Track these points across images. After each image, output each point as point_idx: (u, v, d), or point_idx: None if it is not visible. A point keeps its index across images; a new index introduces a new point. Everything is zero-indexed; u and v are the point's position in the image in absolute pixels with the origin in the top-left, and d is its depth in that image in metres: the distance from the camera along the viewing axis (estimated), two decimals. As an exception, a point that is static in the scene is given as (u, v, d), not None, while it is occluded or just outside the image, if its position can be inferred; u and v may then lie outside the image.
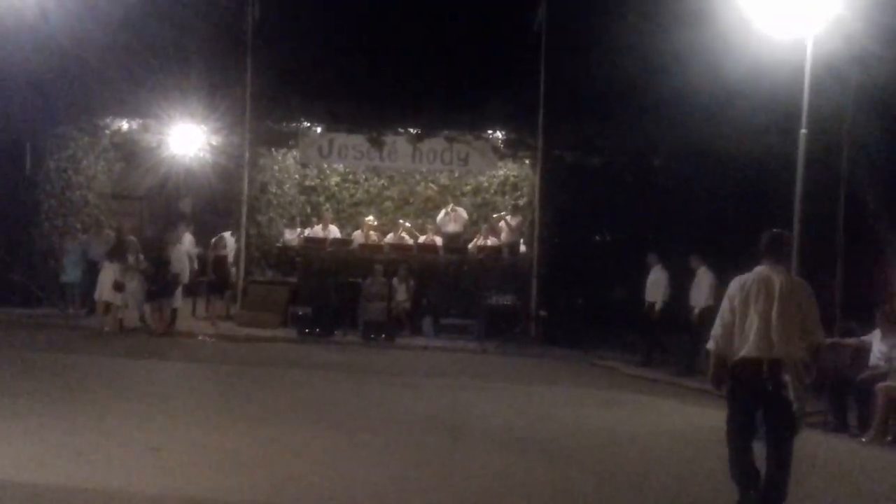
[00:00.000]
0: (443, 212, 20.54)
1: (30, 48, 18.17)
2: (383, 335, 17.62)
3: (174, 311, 17.76)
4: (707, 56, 16.59)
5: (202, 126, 19.78)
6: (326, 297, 18.32)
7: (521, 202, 20.79)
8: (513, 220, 19.91)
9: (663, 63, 18.06)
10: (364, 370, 14.33)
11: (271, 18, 19.53)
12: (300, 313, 18.15)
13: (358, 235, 20.19)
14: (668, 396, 13.49)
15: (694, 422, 11.50)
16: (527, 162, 20.52)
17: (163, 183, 22.17)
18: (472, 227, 20.52)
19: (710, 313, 14.46)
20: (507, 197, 21.26)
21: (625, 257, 18.58)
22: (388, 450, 8.82)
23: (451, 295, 18.99)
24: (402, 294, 18.63)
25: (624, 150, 19.96)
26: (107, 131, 20.68)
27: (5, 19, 17.46)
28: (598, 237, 20.25)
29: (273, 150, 20.72)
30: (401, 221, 20.57)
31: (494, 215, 20.39)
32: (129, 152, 21.15)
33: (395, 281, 18.62)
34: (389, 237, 20.16)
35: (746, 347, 6.76)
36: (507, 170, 21.16)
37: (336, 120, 20.15)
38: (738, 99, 17.02)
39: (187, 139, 19.94)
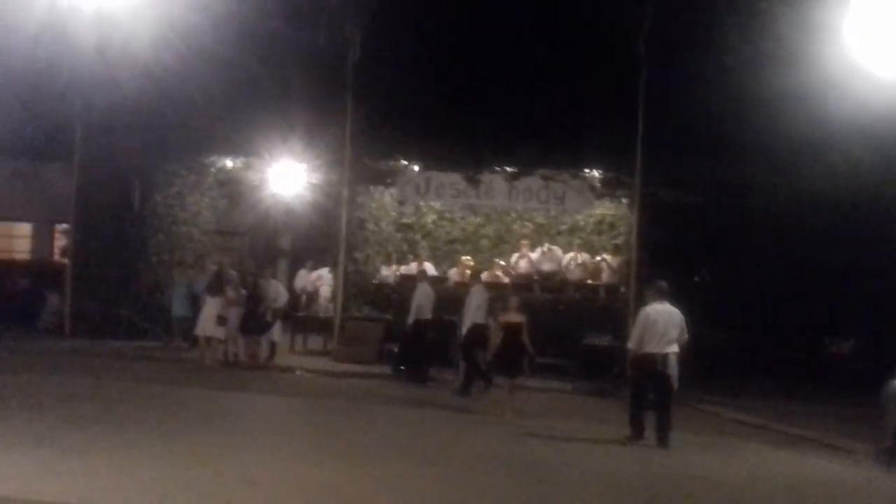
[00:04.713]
0: (539, 251, 20.41)
1: (139, 88, 18.85)
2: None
3: (273, 344, 18.07)
4: (810, 94, 16.25)
5: (303, 164, 20.19)
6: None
7: (619, 241, 20.56)
8: (614, 261, 19.66)
9: (764, 100, 17.75)
10: (457, 408, 14.32)
11: (371, 58, 19.84)
12: (395, 350, 18.27)
13: (453, 273, 20.23)
14: (766, 442, 13.09)
15: (790, 470, 11.21)
16: (624, 201, 20.33)
17: (264, 219, 22.69)
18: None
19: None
20: (603, 236, 21.04)
21: (725, 298, 18.18)
22: (478, 487, 8.78)
23: (546, 334, 18.79)
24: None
25: (722, 188, 19.61)
26: (212, 169, 21.30)
27: (115, 60, 18.18)
28: (697, 277, 19.84)
29: (371, 187, 21.01)
30: (496, 260, 20.51)
31: (596, 258, 20.12)
32: (233, 189, 21.71)
33: (489, 319, 18.53)
34: (485, 275, 20.09)
35: (648, 347, 11.66)
36: (603, 209, 20.94)
37: (433, 158, 20.30)
38: (842, 138, 16.61)
39: (288, 177, 20.37)
